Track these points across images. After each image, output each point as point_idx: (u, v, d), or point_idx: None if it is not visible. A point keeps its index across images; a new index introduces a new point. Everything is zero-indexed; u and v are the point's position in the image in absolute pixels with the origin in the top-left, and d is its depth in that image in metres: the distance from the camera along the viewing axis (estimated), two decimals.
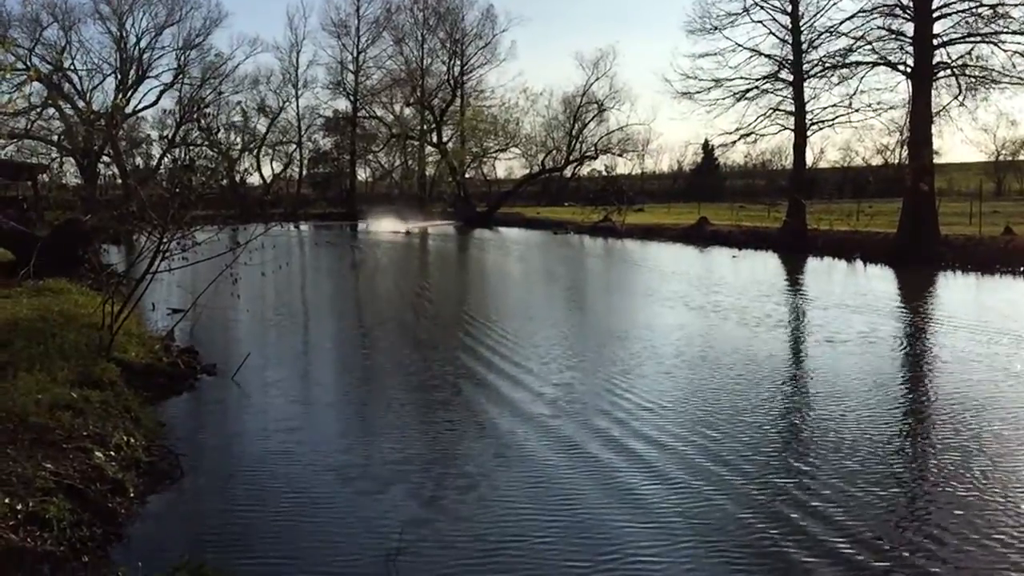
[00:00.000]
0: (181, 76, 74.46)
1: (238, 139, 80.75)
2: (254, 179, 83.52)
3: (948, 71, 33.11)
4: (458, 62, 78.36)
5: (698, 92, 40.62)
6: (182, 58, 74.40)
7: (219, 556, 6.38)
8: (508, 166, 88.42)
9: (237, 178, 78.54)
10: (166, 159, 69.62)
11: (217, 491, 8.12)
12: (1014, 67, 31.98)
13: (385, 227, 55.06)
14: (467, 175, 79.06)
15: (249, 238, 15.13)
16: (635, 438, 9.47)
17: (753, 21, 39.33)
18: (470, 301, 23.71)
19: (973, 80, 33.05)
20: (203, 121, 78.54)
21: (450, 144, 78.27)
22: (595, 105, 74.43)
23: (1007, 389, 11.55)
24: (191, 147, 65.95)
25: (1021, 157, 77.83)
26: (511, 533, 7.00)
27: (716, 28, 39.91)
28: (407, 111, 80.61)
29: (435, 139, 78.52)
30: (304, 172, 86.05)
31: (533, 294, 25.32)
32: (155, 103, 75.30)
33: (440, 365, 13.77)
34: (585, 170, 79.21)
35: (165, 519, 7.48)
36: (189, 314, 15.69)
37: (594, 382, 12.32)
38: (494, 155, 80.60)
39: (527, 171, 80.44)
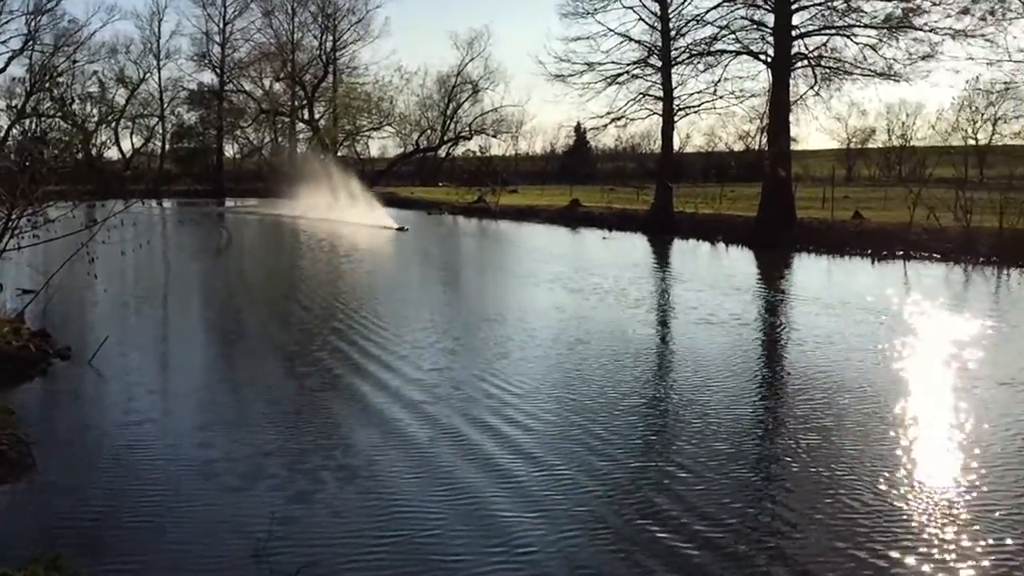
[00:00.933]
0: (31, 42, 69.93)
1: (94, 111, 76.76)
2: (112, 153, 79.63)
3: (805, 62, 34.70)
4: (330, 37, 76.82)
5: (571, 75, 41.16)
6: (32, 23, 69.84)
7: (73, 554, 6.01)
8: (382, 145, 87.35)
9: (93, 152, 74.56)
10: (15, 130, 65.16)
11: (71, 483, 7.66)
12: (865, 59, 33.86)
13: (263, 208, 52.14)
14: (340, 153, 77.63)
15: (107, 215, 14.41)
16: (515, 423, 9.49)
17: (624, 7, 40.06)
18: (342, 283, 23.32)
19: (828, 71, 34.78)
20: (56, 91, 74.01)
21: (322, 121, 76.73)
22: (470, 85, 74.60)
23: (866, 367, 12.20)
24: (42, 118, 62.01)
25: (870, 145, 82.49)
26: (391, 527, 6.82)
27: (588, 12, 40.47)
28: (277, 86, 78.57)
29: (306, 116, 76.76)
30: (167, 147, 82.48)
31: (408, 276, 25.17)
32: (2, 71, 70.44)
33: (311, 351, 13.48)
34: (459, 150, 79.15)
35: (14, 512, 7.05)
36: (41, 295, 14.82)
37: (473, 367, 12.28)
38: (367, 133, 79.61)
39: (401, 150, 79.79)
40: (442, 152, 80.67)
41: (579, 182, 65.72)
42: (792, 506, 7.23)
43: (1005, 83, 29.56)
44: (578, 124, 78.20)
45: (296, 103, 77.08)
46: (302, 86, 75.95)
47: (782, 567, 6.15)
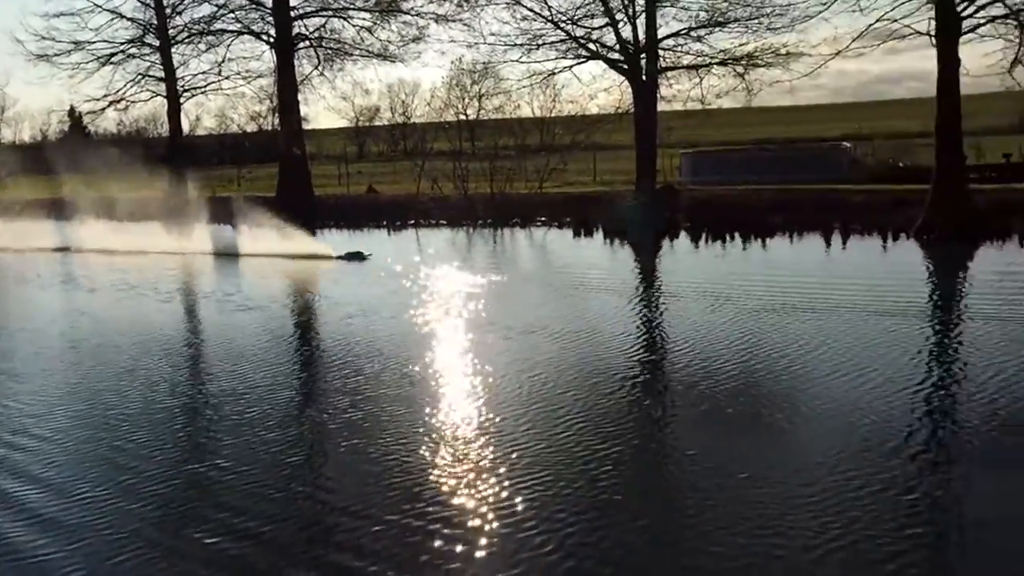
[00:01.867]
0: None
1: None
2: None
3: (307, 42, 35.60)
4: None
5: (56, 55, 37.53)
6: None
7: None
8: None
9: None
10: None
11: None
12: (362, 41, 35.76)
13: None
14: None
15: None
16: (37, 439, 8.58)
17: None
18: None
19: (329, 51, 36.10)
20: None
21: None
22: None
23: (397, 332, 13.00)
24: None
25: (376, 123, 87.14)
26: None
27: None
28: None
29: None
30: None
31: None
32: None
33: None
34: None
35: None
36: None
37: None
38: None
39: None
40: None
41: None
42: (336, 479, 7.55)
43: (484, 63, 33.34)
44: (72, 108, 71.05)
45: None
46: None
47: (328, 533, 6.44)
